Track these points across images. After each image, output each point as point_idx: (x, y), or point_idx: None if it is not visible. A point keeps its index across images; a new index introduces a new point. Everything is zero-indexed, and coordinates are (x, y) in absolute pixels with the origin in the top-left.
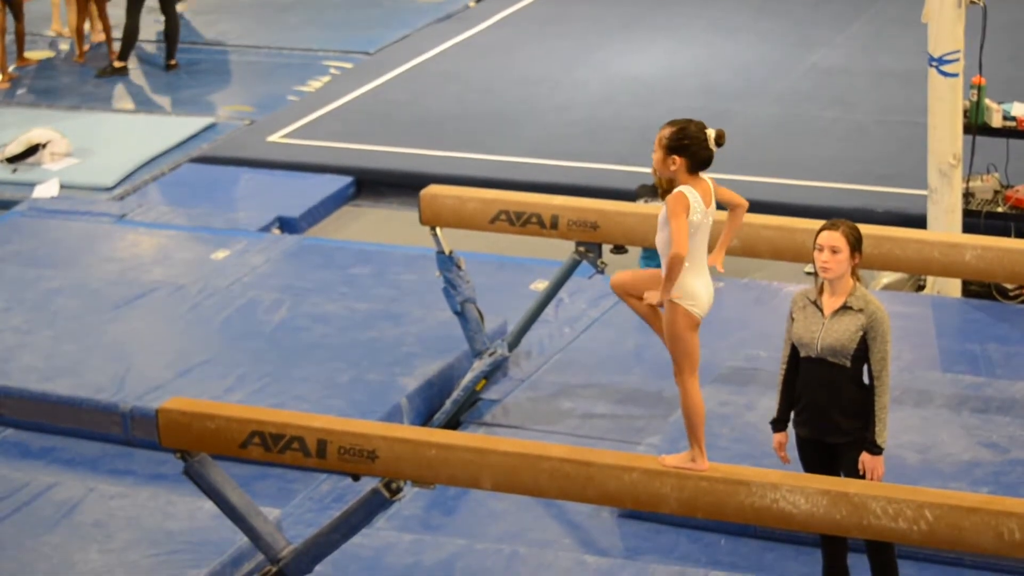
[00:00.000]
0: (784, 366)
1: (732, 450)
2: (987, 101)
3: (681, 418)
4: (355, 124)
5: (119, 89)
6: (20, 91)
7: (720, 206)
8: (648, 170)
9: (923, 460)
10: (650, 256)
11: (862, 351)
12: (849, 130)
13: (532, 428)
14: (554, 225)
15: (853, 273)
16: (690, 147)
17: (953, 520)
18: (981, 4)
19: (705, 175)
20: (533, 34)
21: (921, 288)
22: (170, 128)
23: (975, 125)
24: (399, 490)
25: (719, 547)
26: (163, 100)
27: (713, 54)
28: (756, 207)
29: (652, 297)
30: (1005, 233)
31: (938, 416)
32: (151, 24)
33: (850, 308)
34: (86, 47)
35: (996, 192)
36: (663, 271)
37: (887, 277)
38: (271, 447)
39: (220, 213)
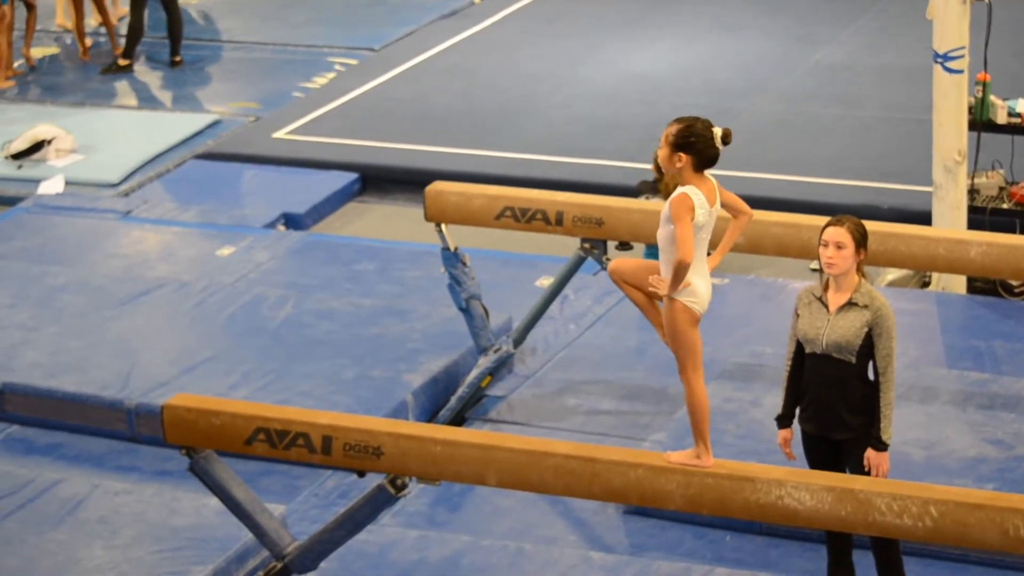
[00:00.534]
0: (789, 362)
1: (737, 446)
2: (992, 97)
3: (686, 415)
4: (360, 121)
5: (124, 85)
6: (25, 88)
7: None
8: (651, 167)
9: (928, 456)
10: (655, 253)
11: (867, 347)
12: (854, 127)
13: (537, 425)
14: (559, 221)
15: (858, 269)
16: (696, 145)
17: (958, 516)
18: (986, 1)
19: (710, 174)
20: (538, 31)
21: (926, 284)
22: (175, 125)
23: (980, 121)
24: (404, 486)
25: (724, 543)
26: (168, 96)
27: (717, 51)
28: (761, 204)
29: (659, 286)
30: (1010, 229)
31: (943, 412)
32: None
33: (855, 304)
34: (88, 41)
35: (1001, 188)
36: (662, 266)
37: (892, 274)
38: (276, 443)
39: (225, 210)
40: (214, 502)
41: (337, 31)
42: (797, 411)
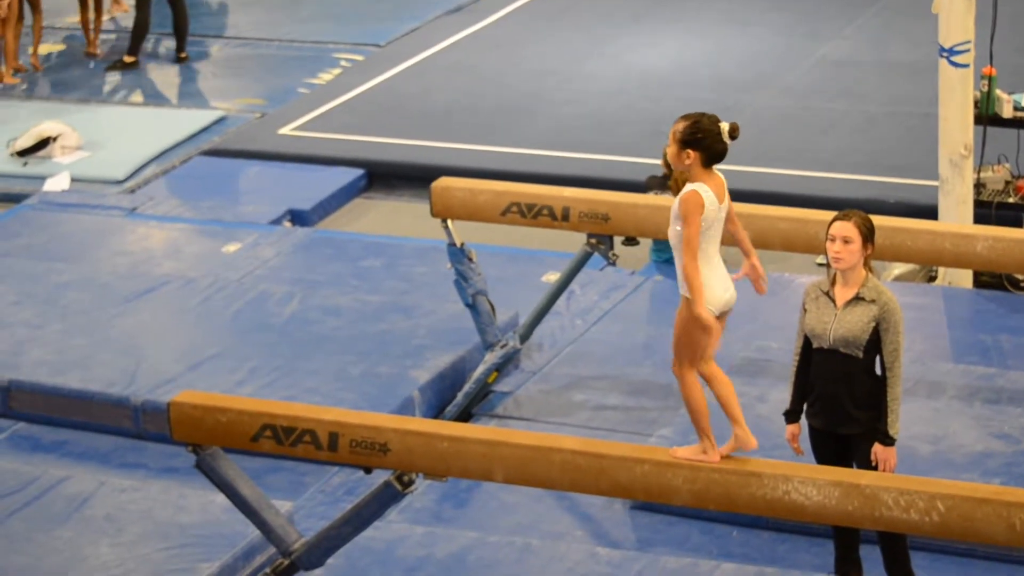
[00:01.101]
0: (797, 357)
1: None
2: (998, 92)
3: None
4: (366, 116)
5: (130, 82)
6: (31, 84)
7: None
8: (659, 162)
9: (935, 451)
10: (662, 248)
11: (874, 342)
12: (860, 121)
13: (544, 420)
14: (565, 217)
15: (865, 264)
16: (704, 140)
17: (965, 511)
18: None
19: (718, 170)
20: (543, 26)
21: (932, 279)
22: (181, 121)
23: (986, 116)
24: (411, 483)
25: (731, 539)
26: (173, 93)
27: (723, 46)
28: (767, 199)
29: (702, 312)
30: (1016, 224)
31: (950, 407)
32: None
33: (862, 299)
34: (95, 38)
35: (1007, 183)
36: (677, 266)
37: (898, 268)
38: (283, 440)
39: (231, 206)
40: (221, 499)
41: (343, 27)
42: (805, 406)
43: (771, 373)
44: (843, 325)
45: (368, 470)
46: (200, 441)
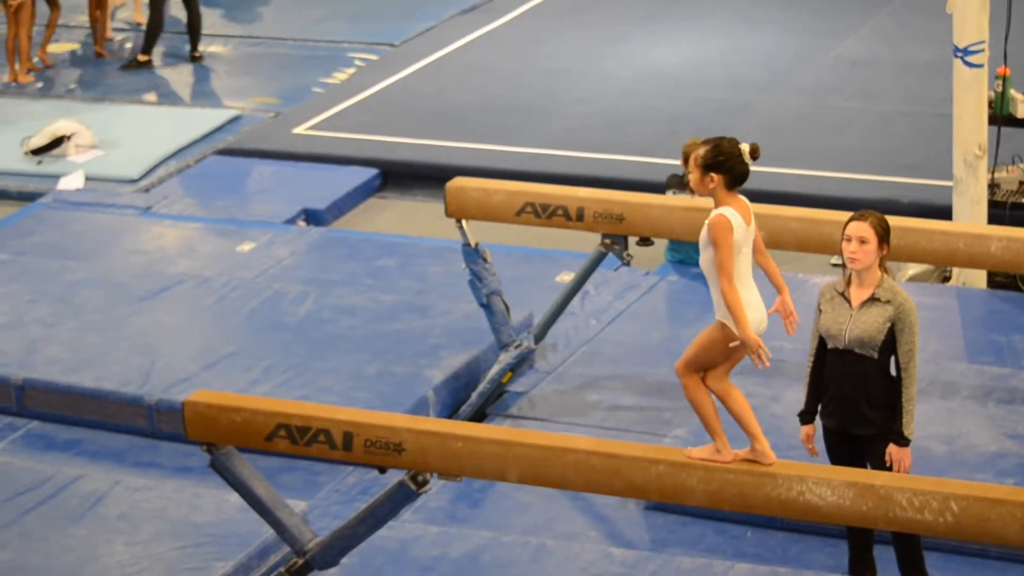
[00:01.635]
0: (811, 358)
1: None
2: (1012, 92)
3: None
4: (380, 116)
5: (144, 81)
6: (45, 83)
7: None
8: (675, 162)
9: (949, 451)
10: (676, 248)
11: (890, 342)
12: (874, 121)
13: (558, 420)
14: (580, 217)
15: (881, 264)
16: (726, 163)
17: (979, 512)
18: None
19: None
20: (558, 25)
21: (947, 279)
22: (195, 120)
23: (1000, 116)
24: (425, 482)
25: (745, 539)
26: (188, 92)
27: (738, 45)
28: (780, 198)
29: (749, 336)
30: None
31: (964, 407)
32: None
33: (878, 299)
34: (110, 34)
35: (1021, 183)
36: (712, 291)
37: (912, 268)
38: (297, 440)
39: (245, 205)
40: (235, 498)
41: (357, 26)
42: (819, 406)
43: (785, 374)
44: (858, 326)
45: (382, 470)
46: (214, 440)
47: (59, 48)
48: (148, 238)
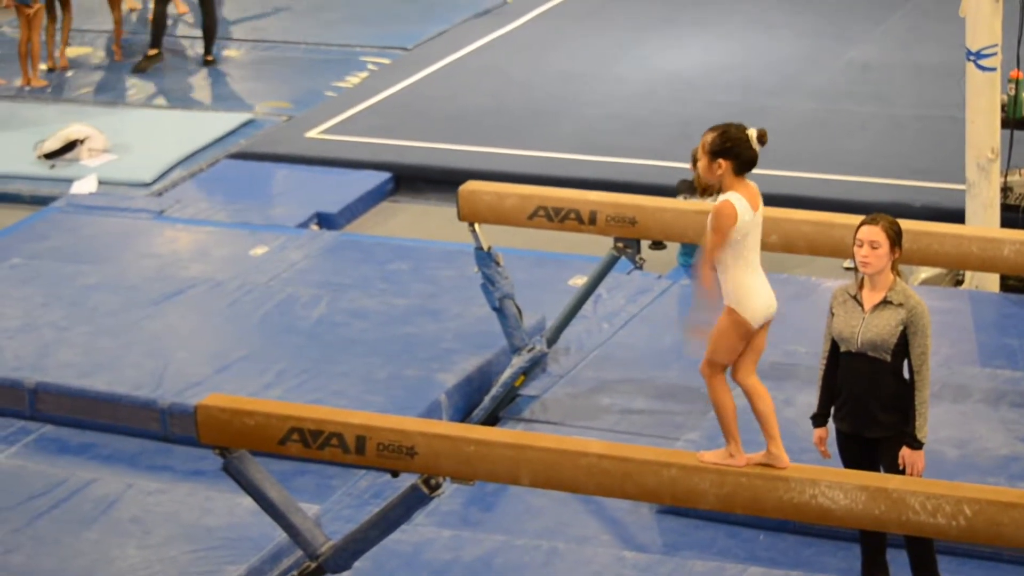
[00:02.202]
0: (824, 361)
1: None
2: None
3: None
4: (393, 120)
5: (157, 85)
6: (58, 87)
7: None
8: (686, 166)
9: (961, 455)
10: (688, 251)
11: (902, 346)
12: (886, 125)
13: (571, 424)
14: (592, 221)
15: (893, 268)
16: (733, 148)
17: (992, 515)
18: None
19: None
20: (571, 29)
21: (959, 283)
22: (208, 124)
23: (1013, 119)
24: (438, 486)
25: (758, 543)
26: (201, 96)
27: (750, 50)
28: (793, 202)
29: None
30: None
31: (976, 411)
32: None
33: (890, 303)
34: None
35: None
36: (722, 283)
37: (925, 272)
38: (310, 443)
39: (258, 209)
40: (248, 502)
41: (370, 30)
42: (832, 410)
43: (798, 377)
44: (871, 329)
45: (395, 473)
46: (227, 444)
47: (72, 52)
48: (161, 242)
